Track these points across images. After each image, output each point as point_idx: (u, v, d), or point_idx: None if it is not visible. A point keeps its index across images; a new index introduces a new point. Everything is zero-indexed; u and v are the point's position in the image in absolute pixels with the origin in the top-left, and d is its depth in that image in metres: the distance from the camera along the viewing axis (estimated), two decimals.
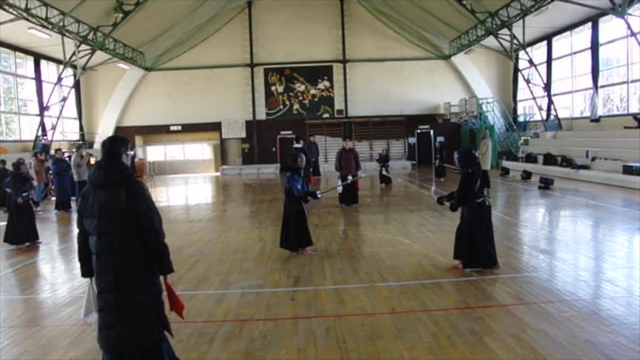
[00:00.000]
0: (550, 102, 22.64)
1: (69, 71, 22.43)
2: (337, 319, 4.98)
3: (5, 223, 11.64)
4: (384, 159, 17.83)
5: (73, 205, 14.83)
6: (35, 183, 13.40)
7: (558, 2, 17.60)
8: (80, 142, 23.88)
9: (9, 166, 14.21)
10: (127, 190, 3.24)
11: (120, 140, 3.49)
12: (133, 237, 3.23)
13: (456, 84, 28.39)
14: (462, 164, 6.27)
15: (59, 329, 5.03)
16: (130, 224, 3.21)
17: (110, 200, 3.22)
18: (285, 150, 26.71)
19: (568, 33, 22.22)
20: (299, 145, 15.26)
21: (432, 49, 27.89)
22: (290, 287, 6.13)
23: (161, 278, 3.38)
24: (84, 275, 3.45)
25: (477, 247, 6.21)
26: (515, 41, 22.04)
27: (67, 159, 16.31)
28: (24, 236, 9.27)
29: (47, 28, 18.25)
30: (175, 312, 3.45)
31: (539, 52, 24.61)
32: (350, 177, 12.40)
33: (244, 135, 28.66)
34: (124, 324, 3.19)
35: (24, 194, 9.29)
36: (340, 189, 12.12)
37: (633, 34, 16.64)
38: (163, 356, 3.35)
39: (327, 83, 28.69)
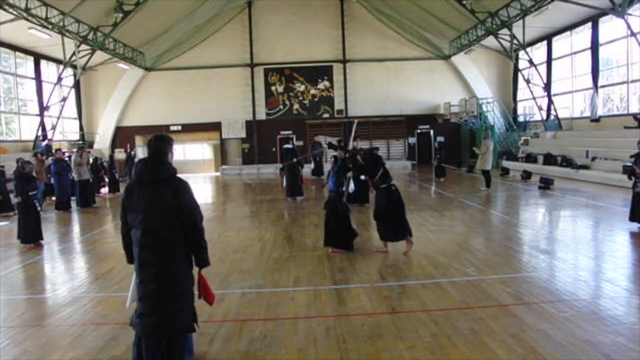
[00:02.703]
0: (550, 102, 22.63)
1: (69, 71, 22.42)
2: (337, 319, 4.98)
3: (5, 223, 11.68)
4: None
5: (73, 205, 14.83)
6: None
7: (558, 2, 17.59)
8: (81, 142, 23.91)
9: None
10: (174, 189, 3.46)
11: (166, 139, 3.73)
12: (176, 232, 3.46)
13: (456, 84, 28.37)
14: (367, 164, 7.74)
15: (59, 329, 5.03)
16: (175, 220, 3.44)
17: (157, 197, 3.43)
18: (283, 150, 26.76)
19: (568, 33, 22.21)
20: (290, 146, 15.41)
21: (432, 49, 27.87)
22: (290, 287, 6.13)
23: (195, 271, 3.68)
24: (129, 262, 3.70)
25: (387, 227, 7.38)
26: (515, 41, 22.03)
27: (67, 159, 16.29)
28: (31, 235, 9.27)
29: (47, 28, 18.23)
30: (205, 301, 3.78)
31: (539, 52, 24.59)
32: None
33: (244, 135, 28.66)
34: (163, 313, 3.44)
35: (31, 193, 9.30)
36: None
37: (633, 34, 16.63)
38: (188, 345, 3.64)
39: (327, 83, 28.68)
